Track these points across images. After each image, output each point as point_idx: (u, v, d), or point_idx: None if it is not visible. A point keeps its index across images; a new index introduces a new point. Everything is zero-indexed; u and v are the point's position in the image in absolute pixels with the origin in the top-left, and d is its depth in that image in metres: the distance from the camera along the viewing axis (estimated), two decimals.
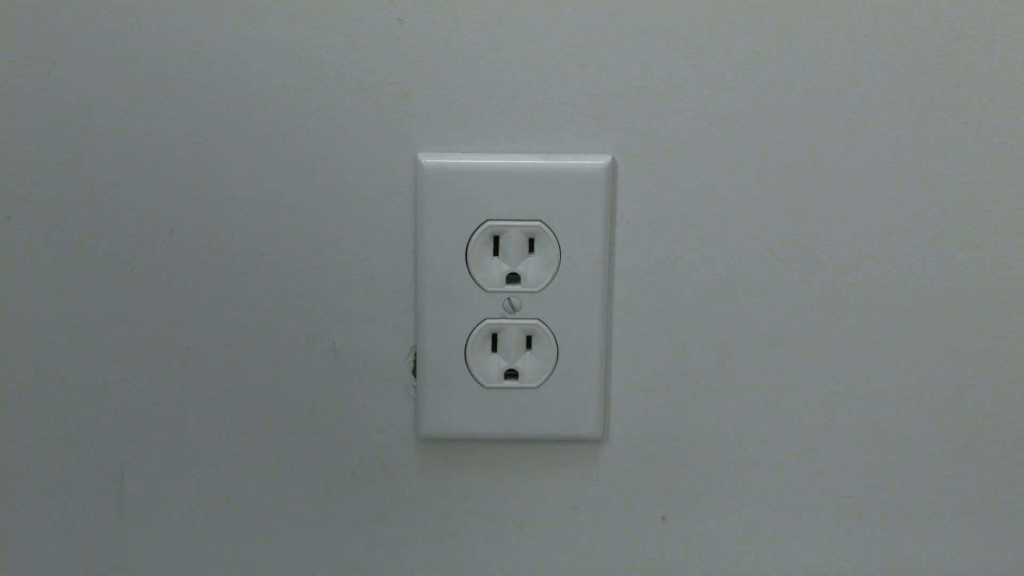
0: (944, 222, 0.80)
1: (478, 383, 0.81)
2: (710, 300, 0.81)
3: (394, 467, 0.84)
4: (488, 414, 0.82)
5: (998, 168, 0.79)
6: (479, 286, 0.80)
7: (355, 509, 0.85)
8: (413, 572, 0.86)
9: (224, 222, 0.80)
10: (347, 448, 0.83)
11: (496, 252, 0.80)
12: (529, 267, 0.80)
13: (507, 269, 0.80)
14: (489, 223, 0.79)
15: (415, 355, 0.82)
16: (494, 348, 0.81)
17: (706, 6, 0.76)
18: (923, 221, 0.80)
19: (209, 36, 0.77)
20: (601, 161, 0.79)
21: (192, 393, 0.82)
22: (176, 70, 0.77)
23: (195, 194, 0.79)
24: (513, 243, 0.79)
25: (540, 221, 0.79)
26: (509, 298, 0.80)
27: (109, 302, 0.81)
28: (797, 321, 0.82)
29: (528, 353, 0.82)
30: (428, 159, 0.78)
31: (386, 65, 0.77)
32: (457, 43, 0.77)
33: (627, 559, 0.86)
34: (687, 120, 0.78)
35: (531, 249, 0.80)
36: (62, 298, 0.81)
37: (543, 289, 0.80)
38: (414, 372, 0.82)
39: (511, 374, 0.82)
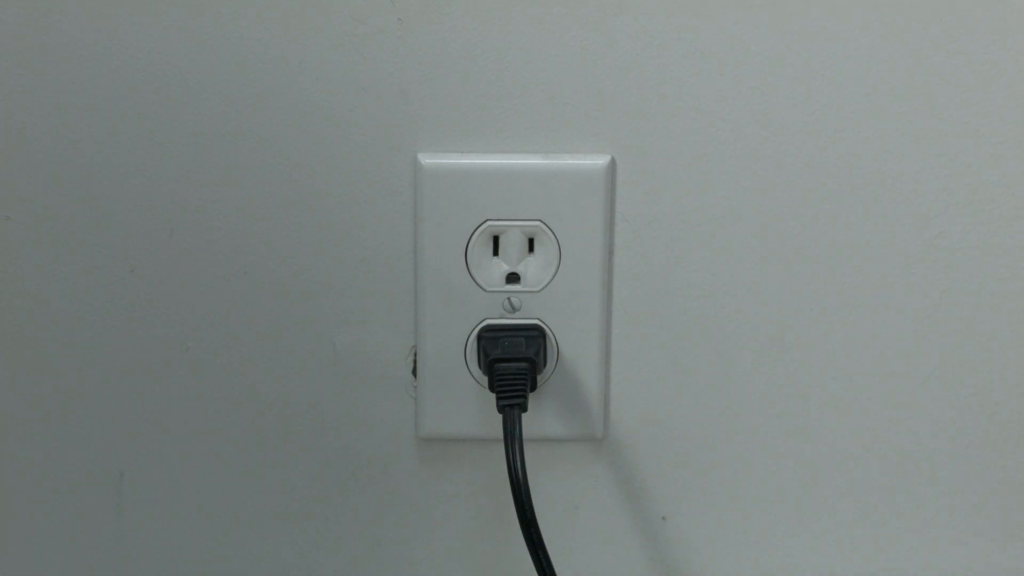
0: (944, 222, 0.80)
1: (478, 383, 0.81)
2: (710, 300, 0.81)
3: (394, 467, 0.84)
4: (488, 414, 0.82)
5: (998, 168, 0.79)
6: (479, 286, 0.80)
7: (355, 509, 0.85)
8: (413, 572, 0.86)
9: (224, 222, 0.80)
10: (347, 448, 0.83)
11: (496, 252, 0.80)
12: (529, 267, 0.80)
13: (507, 269, 0.80)
14: (489, 223, 0.79)
15: (415, 355, 0.82)
16: None
17: (706, 6, 0.76)
18: (923, 221, 0.80)
19: (209, 36, 0.77)
20: (600, 161, 0.79)
21: (192, 393, 0.82)
22: (175, 70, 0.77)
23: (195, 194, 0.79)
24: (513, 243, 0.79)
25: (540, 221, 0.79)
26: (509, 298, 0.80)
27: (109, 302, 0.81)
28: (797, 321, 0.81)
29: None
30: (427, 159, 0.78)
31: (386, 65, 0.77)
32: (457, 43, 0.77)
33: (627, 559, 0.86)
34: (687, 120, 0.78)
35: (531, 249, 0.80)
36: (62, 298, 0.81)
37: (543, 289, 0.80)
38: (414, 372, 0.82)
39: None
